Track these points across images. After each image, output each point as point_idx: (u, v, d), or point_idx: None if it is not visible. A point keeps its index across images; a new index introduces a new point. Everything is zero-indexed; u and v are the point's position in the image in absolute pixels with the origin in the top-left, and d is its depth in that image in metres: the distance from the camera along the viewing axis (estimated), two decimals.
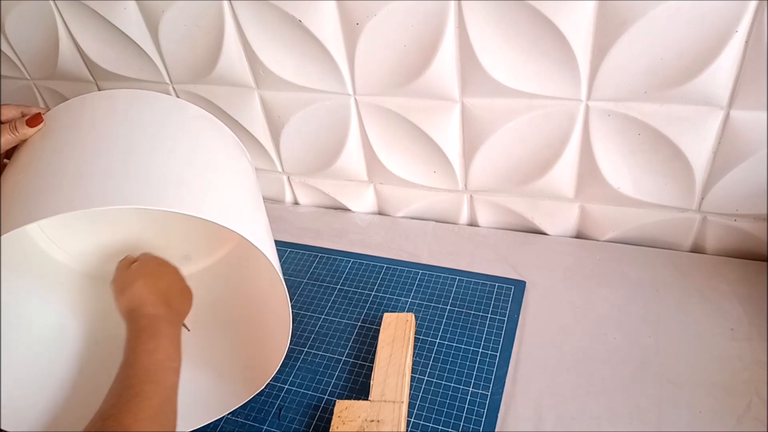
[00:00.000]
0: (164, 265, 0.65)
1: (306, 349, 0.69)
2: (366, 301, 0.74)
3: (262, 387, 0.63)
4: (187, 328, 0.69)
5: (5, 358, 0.62)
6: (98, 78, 0.87)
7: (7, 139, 0.54)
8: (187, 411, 0.62)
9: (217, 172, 0.58)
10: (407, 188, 0.83)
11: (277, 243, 0.85)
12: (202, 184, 0.53)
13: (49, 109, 0.59)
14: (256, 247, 0.52)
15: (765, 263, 0.69)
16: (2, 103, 0.58)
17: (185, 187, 0.51)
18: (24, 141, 0.56)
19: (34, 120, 0.55)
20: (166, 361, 0.53)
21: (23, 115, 0.56)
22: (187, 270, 0.76)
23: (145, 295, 0.58)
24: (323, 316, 0.73)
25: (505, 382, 0.62)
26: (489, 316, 0.69)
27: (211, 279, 0.75)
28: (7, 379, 0.61)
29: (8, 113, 0.56)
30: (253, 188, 0.63)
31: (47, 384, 0.64)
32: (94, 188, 0.47)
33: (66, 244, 0.72)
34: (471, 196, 0.81)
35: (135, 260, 0.64)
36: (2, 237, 0.44)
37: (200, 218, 0.49)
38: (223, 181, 0.57)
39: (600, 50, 0.58)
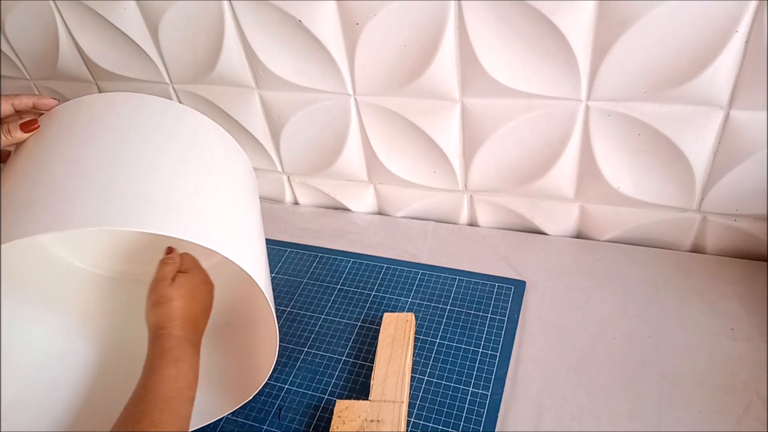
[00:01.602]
0: (206, 284, 0.62)
1: (306, 349, 0.69)
2: (366, 301, 0.74)
3: (248, 399, 0.63)
4: None
5: (12, 359, 0.62)
6: (98, 78, 0.87)
7: (1, 141, 0.54)
8: None
9: (211, 187, 0.57)
10: (407, 188, 0.83)
11: (277, 243, 0.85)
12: (190, 202, 0.53)
13: (51, 106, 0.59)
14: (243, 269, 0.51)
15: (765, 263, 0.69)
16: (7, 94, 0.57)
17: (172, 206, 0.51)
18: (21, 143, 0.55)
19: (28, 125, 0.54)
20: (185, 389, 0.52)
21: (21, 117, 0.55)
22: None
23: (178, 314, 0.57)
24: (323, 316, 0.73)
25: (505, 382, 0.62)
26: (489, 316, 0.69)
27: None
28: (13, 384, 0.61)
29: (6, 109, 0.55)
30: (248, 200, 0.63)
31: (57, 390, 0.64)
32: (78, 207, 0.47)
33: (72, 243, 0.72)
34: (471, 196, 0.81)
35: (178, 267, 0.61)
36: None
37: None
38: (216, 197, 0.57)
39: (600, 50, 0.58)
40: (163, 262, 0.61)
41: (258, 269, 0.55)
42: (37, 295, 0.68)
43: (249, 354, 0.66)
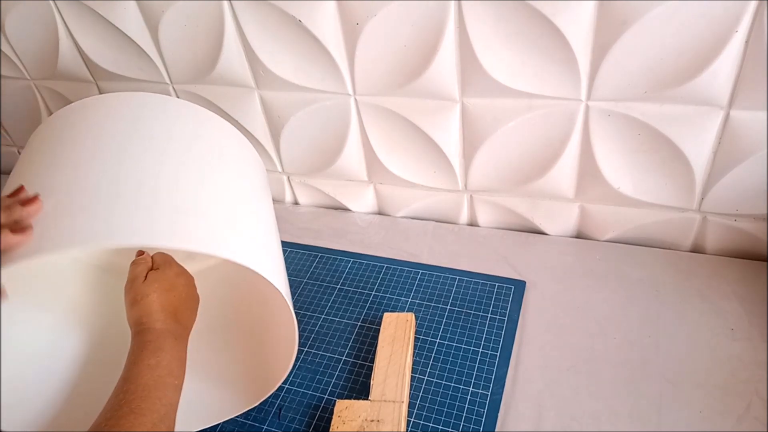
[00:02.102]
0: (180, 276, 0.62)
1: (306, 349, 0.69)
2: (366, 301, 0.74)
3: (263, 398, 0.63)
4: None
5: (6, 353, 0.62)
6: (98, 78, 0.87)
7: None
8: (182, 414, 0.62)
9: (220, 184, 0.57)
10: (407, 188, 0.83)
11: None
12: (199, 206, 0.53)
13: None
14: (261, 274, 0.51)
15: (765, 263, 0.69)
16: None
17: (181, 213, 0.51)
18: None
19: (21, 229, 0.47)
20: (166, 377, 0.52)
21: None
22: (189, 268, 0.76)
23: (156, 309, 0.57)
24: (323, 316, 0.73)
25: (505, 382, 0.62)
26: (489, 316, 0.69)
27: (213, 279, 0.75)
28: (7, 376, 0.61)
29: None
30: (258, 195, 0.63)
31: (48, 382, 0.64)
32: (85, 223, 0.47)
33: None
34: (471, 196, 0.81)
35: (150, 266, 0.62)
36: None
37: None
38: (226, 196, 0.57)
39: (600, 50, 0.58)
40: (134, 264, 0.62)
41: (275, 272, 0.55)
42: (31, 285, 0.69)
43: (264, 353, 0.66)
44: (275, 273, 0.55)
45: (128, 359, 0.54)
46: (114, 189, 0.50)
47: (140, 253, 0.64)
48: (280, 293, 0.54)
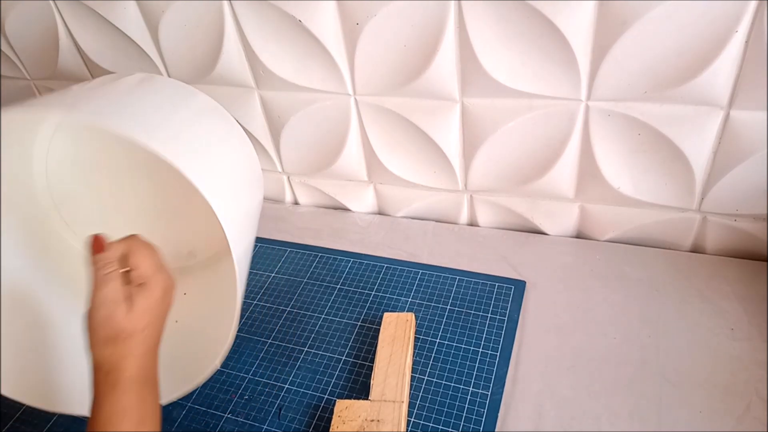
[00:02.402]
0: (168, 292, 0.48)
1: (306, 349, 0.69)
2: (366, 301, 0.74)
3: (201, 380, 0.59)
4: None
5: (12, 334, 0.62)
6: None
7: None
8: None
9: (214, 149, 0.62)
10: (407, 188, 0.83)
11: (277, 243, 0.85)
12: (190, 144, 0.57)
13: None
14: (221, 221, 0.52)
15: (765, 263, 0.69)
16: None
17: (171, 136, 0.55)
18: None
19: None
20: None
21: None
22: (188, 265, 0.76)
23: (140, 352, 0.44)
24: (323, 316, 0.73)
25: (505, 382, 0.62)
26: (489, 316, 0.69)
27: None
28: (11, 356, 0.62)
29: None
30: (247, 182, 0.64)
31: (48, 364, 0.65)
32: (84, 110, 0.53)
33: (80, 229, 0.73)
34: (471, 196, 0.81)
35: (119, 271, 0.46)
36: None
37: (200, 212, 0.49)
38: (219, 162, 0.61)
39: (600, 50, 0.58)
40: (102, 275, 0.45)
41: (235, 234, 0.53)
42: (35, 269, 0.70)
43: (206, 337, 0.63)
44: (230, 220, 0.53)
45: (100, 418, 0.42)
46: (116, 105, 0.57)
47: (97, 245, 0.46)
48: (235, 274, 0.53)
